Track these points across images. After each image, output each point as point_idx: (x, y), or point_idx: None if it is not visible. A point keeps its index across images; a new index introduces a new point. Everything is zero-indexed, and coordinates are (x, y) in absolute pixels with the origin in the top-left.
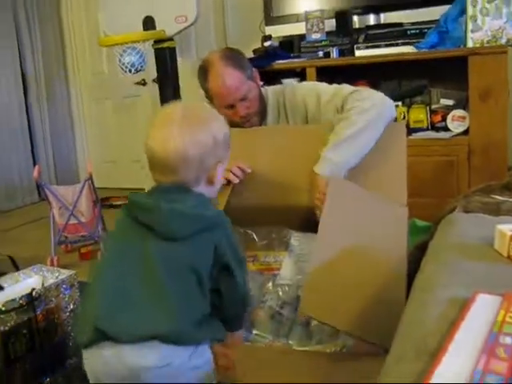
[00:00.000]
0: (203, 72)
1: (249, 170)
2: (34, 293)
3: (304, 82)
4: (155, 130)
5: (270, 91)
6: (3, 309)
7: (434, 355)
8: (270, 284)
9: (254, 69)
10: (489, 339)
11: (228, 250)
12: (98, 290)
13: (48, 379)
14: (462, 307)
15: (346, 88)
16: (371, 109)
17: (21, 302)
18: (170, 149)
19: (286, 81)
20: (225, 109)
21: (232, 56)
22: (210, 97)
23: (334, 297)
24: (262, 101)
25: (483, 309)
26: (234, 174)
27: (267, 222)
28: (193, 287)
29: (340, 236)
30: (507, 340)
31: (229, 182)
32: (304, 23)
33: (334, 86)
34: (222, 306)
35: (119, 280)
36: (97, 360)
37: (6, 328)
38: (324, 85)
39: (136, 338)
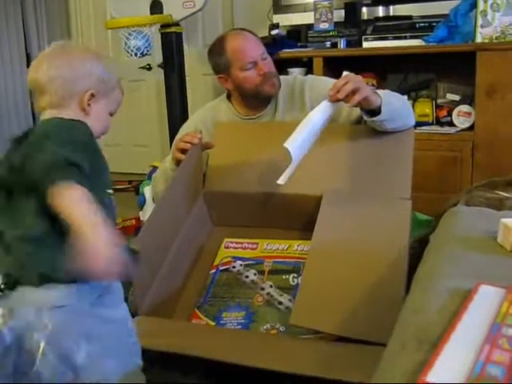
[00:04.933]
0: (218, 44)
1: (199, 135)
2: None
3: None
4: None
5: (282, 79)
6: None
7: (436, 345)
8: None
9: None
10: (492, 330)
11: None
12: None
13: None
14: (464, 298)
15: None
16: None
17: None
18: (41, 70)
19: (292, 70)
20: (246, 71)
21: (245, 29)
22: (227, 67)
23: (327, 301)
24: (277, 72)
25: (486, 300)
26: (184, 142)
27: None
28: None
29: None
30: (510, 332)
31: (184, 151)
32: (312, 13)
33: None
34: None
35: None
36: None
37: None
38: None
39: None
